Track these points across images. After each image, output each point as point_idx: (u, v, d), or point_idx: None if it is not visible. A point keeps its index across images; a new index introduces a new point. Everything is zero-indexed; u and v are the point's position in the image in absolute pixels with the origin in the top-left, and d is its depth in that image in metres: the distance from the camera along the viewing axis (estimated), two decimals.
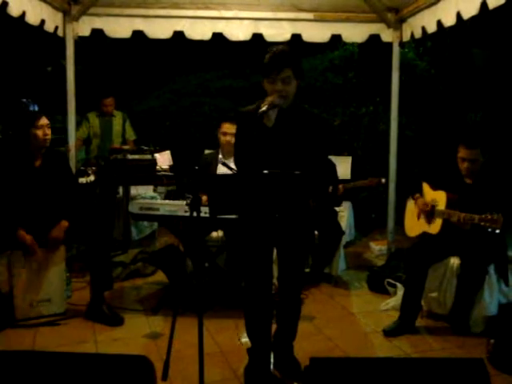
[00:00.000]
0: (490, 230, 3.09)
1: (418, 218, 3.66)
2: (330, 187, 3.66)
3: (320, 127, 2.67)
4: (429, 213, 3.54)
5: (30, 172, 3.59)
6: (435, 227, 3.49)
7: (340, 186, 3.94)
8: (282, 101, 2.50)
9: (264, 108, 2.44)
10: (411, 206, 3.78)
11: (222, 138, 3.98)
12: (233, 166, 3.85)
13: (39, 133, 3.54)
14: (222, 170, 3.83)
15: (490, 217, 3.08)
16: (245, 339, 3.08)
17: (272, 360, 2.83)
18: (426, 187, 3.66)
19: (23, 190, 3.54)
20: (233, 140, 3.89)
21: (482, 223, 3.11)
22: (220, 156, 4.04)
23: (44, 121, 3.58)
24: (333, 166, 4.20)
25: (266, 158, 2.50)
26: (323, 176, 2.79)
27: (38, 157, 3.62)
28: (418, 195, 3.67)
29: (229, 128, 3.90)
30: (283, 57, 2.51)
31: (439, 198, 3.49)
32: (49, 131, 3.60)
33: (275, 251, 2.84)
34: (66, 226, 3.57)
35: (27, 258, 3.51)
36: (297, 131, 2.57)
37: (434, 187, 3.58)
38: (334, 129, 6.58)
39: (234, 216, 2.97)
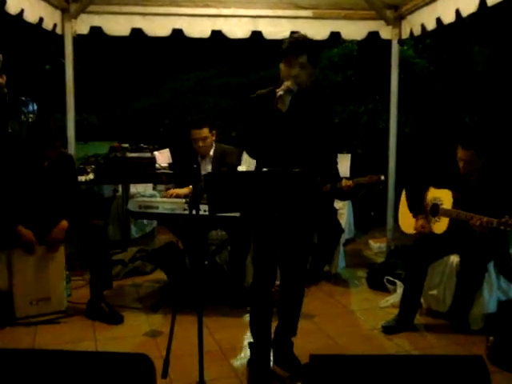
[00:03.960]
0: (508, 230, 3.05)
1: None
2: (329, 185, 3.62)
3: (322, 107, 2.75)
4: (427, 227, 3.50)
5: (38, 172, 3.60)
6: (440, 226, 3.43)
7: (350, 182, 3.89)
8: (297, 86, 2.57)
9: (281, 92, 2.51)
10: (406, 200, 3.74)
11: (194, 145, 3.97)
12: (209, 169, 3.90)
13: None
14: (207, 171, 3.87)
15: (510, 221, 3.01)
16: None
17: (272, 357, 2.84)
18: None
19: (28, 188, 3.56)
20: (206, 143, 3.92)
21: (502, 227, 3.05)
22: (199, 158, 4.03)
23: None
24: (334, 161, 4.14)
25: (280, 143, 2.58)
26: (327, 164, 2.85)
27: (47, 158, 3.61)
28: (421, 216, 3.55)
29: (197, 134, 3.91)
30: (302, 43, 2.64)
31: (444, 196, 3.43)
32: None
33: None
34: (66, 226, 3.58)
35: (27, 256, 3.51)
36: (309, 116, 2.67)
37: (438, 186, 3.51)
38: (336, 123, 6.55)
39: (234, 214, 2.97)
